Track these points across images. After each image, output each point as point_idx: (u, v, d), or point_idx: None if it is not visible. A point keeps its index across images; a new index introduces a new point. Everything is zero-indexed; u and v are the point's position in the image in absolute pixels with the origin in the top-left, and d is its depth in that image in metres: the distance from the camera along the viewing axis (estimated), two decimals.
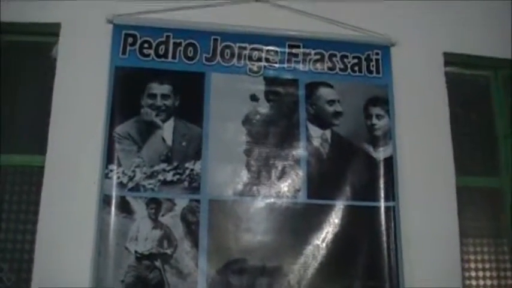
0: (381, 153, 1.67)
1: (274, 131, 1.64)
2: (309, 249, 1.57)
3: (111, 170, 1.54)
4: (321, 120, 1.68)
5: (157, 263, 1.50)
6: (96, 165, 1.55)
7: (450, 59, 1.80)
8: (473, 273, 1.73)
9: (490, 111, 1.85)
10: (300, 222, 1.59)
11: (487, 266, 1.75)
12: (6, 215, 1.60)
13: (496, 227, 1.79)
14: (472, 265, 1.74)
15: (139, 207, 1.53)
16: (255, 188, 1.59)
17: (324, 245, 1.58)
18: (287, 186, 1.61)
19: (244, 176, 1.60)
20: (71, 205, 1.53)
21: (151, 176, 1.56)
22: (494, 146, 1.82)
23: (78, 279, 1.47)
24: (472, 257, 1.74)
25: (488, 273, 1.74)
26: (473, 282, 1.72)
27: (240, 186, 1.59)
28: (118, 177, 1.54)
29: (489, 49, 1.82)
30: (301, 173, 1.62)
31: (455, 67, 1.83)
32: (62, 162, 1.56)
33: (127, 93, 1.60)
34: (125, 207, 1.52)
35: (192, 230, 1.53)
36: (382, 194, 1.63)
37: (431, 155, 1.69)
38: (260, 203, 1.59)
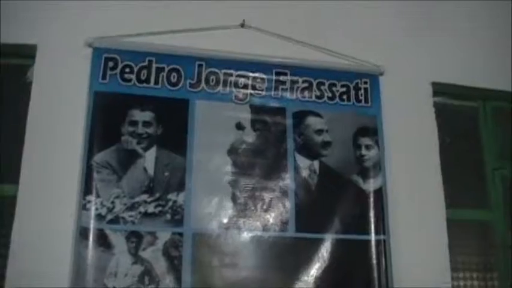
0: (370, 185, 1.62)
1: (260, 161, 1.58)
2: (298, 285, 1.49)
3: (89, 201, 1.45)
4: (309, 150, 1.62)
5: None
6: (72, 196, 1.45)
7: (438, 88, 1.78)
8: None
9: (479, 142, 1.82)
10: (288, 256, 1.51)
11: None
12: None
13: (487, 260, 1.75)
14: None
15: (118, 240, 1.44)
16: (241, 220, 1.52)
17: (313, 280, 1.50)
18: (274, 219, 1.54)
19: (230, 208, 1.52)
20: (46, 238, 1.42)
21: (131, 207, 1.47)
22: (484, 178, 1.79)
23: None
24: None
25: None
26: None
27: (225, 219, 1.51)
28: (96, 209, 1.44)
29: (477, 79, 1.80)
30: (289, 205, 1.55)
31: (443, 97, 1.80)
32: (36, 192, 1.45)
33: (107, 119, 1.52)
34: (103, 241, 1.42)
35: (174, 266, 1.44)
36: (372, 227, 1.58)
37: (421, 186, 1.65)
38: (246, 237, 1.51)
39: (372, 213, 1.59)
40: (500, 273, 1.72)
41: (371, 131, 1.67)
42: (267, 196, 1.55)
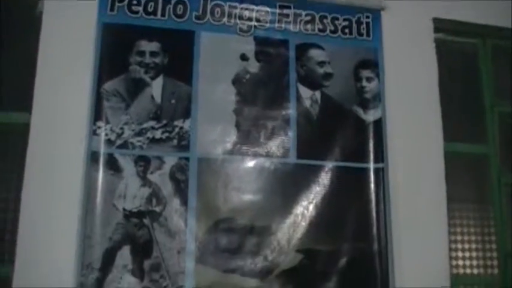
0: (370, 116, 1.67)
1: (264, 91, 1.63)
2: (298, 209, 1.56)
3: (99, 127, 1.51)
4: (311, 81, 1.67)
5: (146, 221, 1.48)
6: (83, 122, 1.51)
7: (439, 24, 1.79)
8: (458, 237, 1.75)
9: (478, 79, 1.86)
10: (289, 182, 1.58)
11: (472, 230, 1.77)
12: None
13: (482, 193, 1.81)
14: (458, 229, 1.76)
15: (127, 164, 1.50)
16: (244, 147, 1.58)
17: (313, 205, 1.57)
18: (276, 146, 1.60)
19: (234, 135, 1.58)
20: (58, 162, 1.48)
21: (139, 133, 1.53)
22: (482, 114, 1.83)
23: (65, 236, 1.44)
24: (458, 222, 1.76)
25: (473, 237, 1.76)
26: (459, 246, 1.74)
27: (229, 145, 1.57)
28: (106, 135, 1.50)
29: (479, 16, 1.81)
30: (290, 133, 1.61)
31: (444, 33, 1.82)
32: (48, 120, 1.51)
33: (115, 50, 1.56)
34: (112, 165, 1.49)
35: (180, 188, 1.51)
36: (371, 156, 1.63)
37: (419, 118, 1.70)
38: (249, 162, 1.57)
39: (371, 143, 1.64)
40: (495, 205, 1.78)
41: (372, 63, 1.71)
42: (269, 124, 1.61)
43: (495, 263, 1.74)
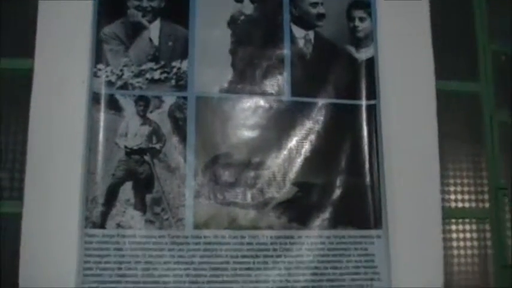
0: (363, 54, 1.70)
1: (258, 31, 1.67)
2: (293, 144, 1.62)
3: (100, 69, 1.57)
4: (304, 21, 1.70)
5: (147, 158, 1.55)
6: (84, 65, 1.58)
7: None
8: (451, 172, 1.80)
9: (472, 18, 1.88)
10: (284, 119, 1.63)
11: (464, 166, 1.82)
12: None
13: (475, 131, 1.85)
14: (450, 165, 1.81)
15: (128, 104, 1.57)
16: (240, 85, 1.62)
17: (308, 140, 1.63)
18: (271, 85, 1.64)
19: (230, 74, 1.63)
20: (61, 105, 1.54)
21: (139, 74, 1.59)
22: (475, 52, 1.87)
23: (69, 174, 1.50)
24: (450, 158, 1.81)
25: (465, 173, 1.81)
26: (451, 181, 1.79)
27: (226, 84, 1.62)
28: (106, 76, 1.57)
29: None
30: (285, 72, 1.65)
31: None
32: (50, 65, 1.56)
33: None
34: (114, 105, 1.55)
35: (179, 126, 1.57)
36: (363, 93, 1.68)
37: (411, 57, 1.72)
38: (245, 100, 1.62)
39: (363, 80, 1.68)
40: (486, 142, 1.82)
41: (364, 3, 1.73)
42: (264, 63, 1.65)
43: (486, 197, 1.79)
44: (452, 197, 1.76)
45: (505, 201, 1.76)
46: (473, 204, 1.79)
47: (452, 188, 1.76)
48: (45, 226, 1.48)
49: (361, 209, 1.62)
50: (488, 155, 1.82)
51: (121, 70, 1.58)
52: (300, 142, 1.62)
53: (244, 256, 1.54)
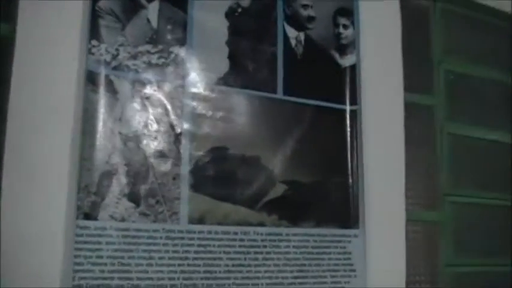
0: (346, 61, 1.77)
1: (254, 26, 1.65)
2: (284, 142, 1.63)
3: (94, 46, 1.44)
4: (296, 22, 1.72)
5: (142, 146, 1.45)
6: (76, 39, 1.43)
7: None
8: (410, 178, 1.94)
9: (429, 37, 2.06)
10: (276, 117, 1.63)
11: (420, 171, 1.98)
12: None
13: (428, 138, 2.01)
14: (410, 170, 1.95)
15: (123, 87, 1.44)
16: (236, 78, 1.59)
17: (296, 140, 1.65)
18: (265, 81, 1.64)
19: (226, 66, 1.59)
20: (49, 81, 1.37)
21: (135, 56, 1.48)
22: (431, 67, 2.04)
23: (56, 159, 1.34)
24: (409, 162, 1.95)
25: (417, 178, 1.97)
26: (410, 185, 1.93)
27: (222, 75, 1.58)
28: (101, 54, 1.44)
29: None
30: (278, 69, 1.66)
31: None
32: (36, 34, 1.38)
33: None
34: (108, 86, 1.43)
35: (175, 114, 1.49)
36: (347, 98, 1.75)
37: (385, 66, 1.84)
38: (240, 94, 1.59)
39: (347, 86, 1.76)
40: (436, 150, 1.99)
41: (348, 12, 1.81)
42: (259, 58, 1.64)
43: (436, 201, 1.96)
44: (410, 201, 1.89)
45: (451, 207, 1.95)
46: (423, 208, 1.94)
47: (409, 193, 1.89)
48: (28, 216, 1.31)
49: (342, 209, 1.69)
50: (437, 163, 1.98)
51: (116, 49, 1.46)
52: (290, 141, 1.64)
53: (236, 252, 1.51)
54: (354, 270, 1.67)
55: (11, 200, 1.30)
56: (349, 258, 1.67)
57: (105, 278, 1.36)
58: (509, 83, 2.20)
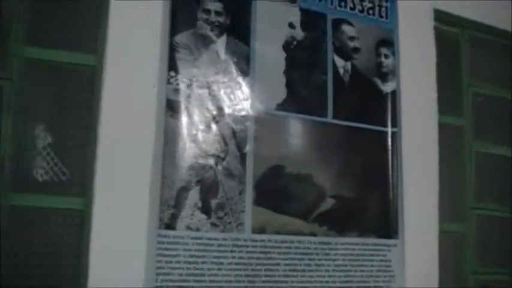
0: (388, 87, 1.97)
1: (308, 56, 1.86)
2: (332, 161, 1.83)
3: (172, 76, 1.64)
4: (343, 53, 1.92)
5: (213, 164, 1.65)
6: (155, 69, 1.62)
7: (439, 15, 2.14)
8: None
9: (459, 62, 2.25)
10: (326, 138, 1.84)
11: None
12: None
13: (457, 157, 2.20)
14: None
15: (196, 114, 1.64)
16: (292, 105, 1.80)
17: (344, 158, 1.85)
18: (317, 105, 1.84)
19: (284, 94, 1.79)
20: (132, 107, 1.58)
21: (205, 86, 1.67)
22: (460, 90, 2.24)
23: (138, 176, 1.55)
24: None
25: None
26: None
27: (280, 102, 1.78)
28: (177, 84, 1.64)
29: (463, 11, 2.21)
30: (328, 95, 1.86)
31: (438, 22, 2.16)
32: (121, 64, 1.59)
33: (184, 5, 1.69)
34: (184, 113, 1.63)
35: (240, 137, 1.70)
36: (389, 121, 1.95)
37: (423, 91, 2.03)
38: (296, 119, 1.80)
39: (388, 110, 1.96)
40: (465, 168, 2.19)
41: (389, 42, 2.00)
42: (311, 86, 1.85)
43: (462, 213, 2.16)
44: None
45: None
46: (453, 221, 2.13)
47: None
48: (115, 226, 1.52)
49: (383, 221, 1.88)
50: (459, 177, 2.17)
51: (190, 80, 1.66)
52: (338, 159, 1.84)
53: (292, 259, 1.71)
54: (393, 276, 1.86)
55: (102, 212, 1.51)
56: (389, 266, 1.87)
57: (183, 281, 1.56)
58: None
